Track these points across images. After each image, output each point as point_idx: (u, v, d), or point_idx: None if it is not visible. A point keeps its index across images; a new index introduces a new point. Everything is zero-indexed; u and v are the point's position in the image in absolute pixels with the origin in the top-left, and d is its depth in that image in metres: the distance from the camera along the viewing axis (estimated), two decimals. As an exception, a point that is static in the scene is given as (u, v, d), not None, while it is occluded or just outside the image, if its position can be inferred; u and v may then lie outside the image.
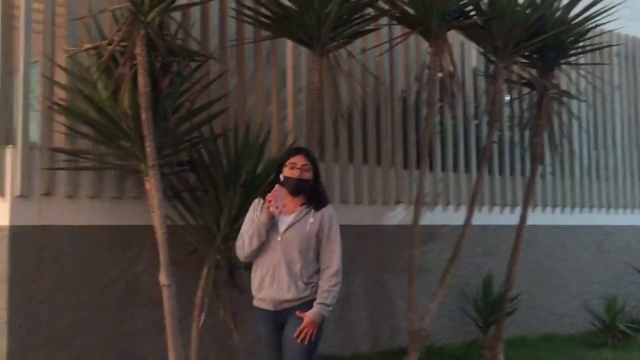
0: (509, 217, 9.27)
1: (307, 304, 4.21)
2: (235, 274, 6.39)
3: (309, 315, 4.15)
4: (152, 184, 5.77)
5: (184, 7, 6.31)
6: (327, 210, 4.29)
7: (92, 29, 5.98)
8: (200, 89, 6.32)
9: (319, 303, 4.17)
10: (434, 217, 8.75)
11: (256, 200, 4.35)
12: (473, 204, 7.77)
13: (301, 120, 7.59)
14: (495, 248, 9.27)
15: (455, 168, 9.09)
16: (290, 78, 7.64)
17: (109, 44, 5.71)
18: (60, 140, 6.10)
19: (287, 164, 4.28)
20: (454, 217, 8.70)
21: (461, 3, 7.40)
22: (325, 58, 6.83)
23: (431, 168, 8.77)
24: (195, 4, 6.42)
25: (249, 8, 6.84)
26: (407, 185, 8.45)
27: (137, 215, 6.28)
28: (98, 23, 6.00)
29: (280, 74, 7.56)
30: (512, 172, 9.67)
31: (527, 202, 8.46)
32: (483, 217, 9.15)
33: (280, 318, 4.24)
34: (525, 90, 9.04)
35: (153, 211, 5.79)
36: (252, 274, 4.36)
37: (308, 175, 4.27)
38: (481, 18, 7.59)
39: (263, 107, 7.36)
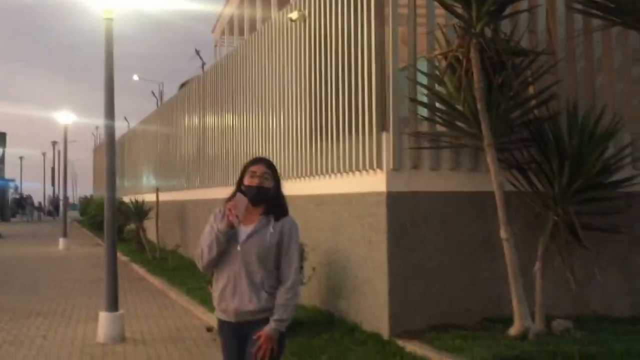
0: None
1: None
2: (578, 234, 7.43)
3: (265, 331, 4.03)
4: (489, 159, 7.24)
5: (509, 16, 7.53)
6: (288, 221, 4.16)
7: (440, 39, 7.63)
8: (532, 80, 7.49)
9: (274, 319, 4.05)
10: None
11: (216, 210, 4.23)
12: None
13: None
14: None
15: None
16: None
17: (451, 50, 7.31)
18: (423, 126, 7.90)
19: (247, 172, 4.19)
20: None
21: None
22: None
23: None
24: (519, 12, 7.58)
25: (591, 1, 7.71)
26: None
27: (490, 184, 7.64)
28: (445, 35, 7.62)
29: (631, 53, 8.18)
30: None
31: None
32: None
33: (242, 330, 4.14)
34: None
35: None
36: (213, 286, 4.28)
37: (268, 183, 4.15)
38: None
39: (611, 87, 8.12)
